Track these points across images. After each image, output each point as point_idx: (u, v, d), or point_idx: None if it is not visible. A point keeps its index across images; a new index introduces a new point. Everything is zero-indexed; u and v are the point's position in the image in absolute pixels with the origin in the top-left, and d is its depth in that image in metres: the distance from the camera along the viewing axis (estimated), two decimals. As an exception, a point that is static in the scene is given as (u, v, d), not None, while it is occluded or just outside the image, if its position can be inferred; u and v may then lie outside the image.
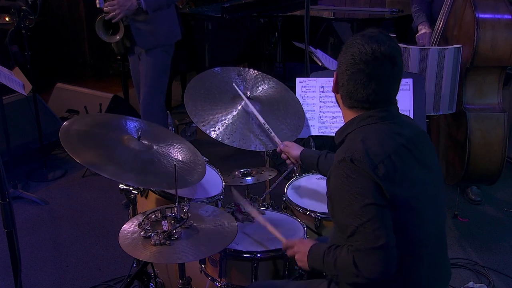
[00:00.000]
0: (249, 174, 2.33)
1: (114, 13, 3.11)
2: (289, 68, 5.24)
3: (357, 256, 1.39)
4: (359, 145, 1.45)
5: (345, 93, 1.53)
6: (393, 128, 1.50)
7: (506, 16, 2.92)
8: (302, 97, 2.51)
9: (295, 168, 2.53)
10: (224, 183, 2.29)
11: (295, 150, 2.12)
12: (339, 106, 1.62)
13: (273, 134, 2.21)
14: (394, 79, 1.50)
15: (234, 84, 2.35)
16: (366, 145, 1.44)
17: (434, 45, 3.11)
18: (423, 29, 3.24)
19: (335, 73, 1.57)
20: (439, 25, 3.10)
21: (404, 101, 2.43)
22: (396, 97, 1.56)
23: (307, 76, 2.66)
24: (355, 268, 1.39)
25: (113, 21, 3.13)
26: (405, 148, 1.47)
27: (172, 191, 1.81)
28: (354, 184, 1.41)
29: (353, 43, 1.49)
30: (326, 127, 2.47)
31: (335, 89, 1.59)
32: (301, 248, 1.63)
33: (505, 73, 3.08)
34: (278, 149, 2.19)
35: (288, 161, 2.17)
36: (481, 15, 2.90)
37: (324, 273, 1.55)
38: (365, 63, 1.45)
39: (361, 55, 1.45)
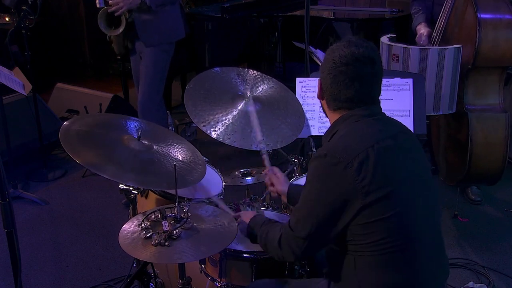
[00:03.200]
0: (249, 174, 2.33)
1: (118, 6, 3.11)
2: (289, 68, 5.25)
3: (283, 234, 1.56)
4: (337, 142, 1.53)
5: (329, 96, 1.59)
6: (375, 125, 1.54)
7: (507, 16, 2.92)
8: (302, 97, 2.51)
9: (295, 168, 2.53)
10: (224, 183, 2.29)
11: (282, 185, 2.04)
12: (325, 113, 1.68)
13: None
14: (375, 78, 1.56)
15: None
16: (343, 141, 1.51)
17: (435, 46, 3.11)
18: (421, 30, 3.23)
19: (318, 80, 1.62)
20: (440, 25, 3.10)
21: (404, 101, 2.42)
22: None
23: (307, 76, 2.66)
24: (278, 244, 1.58)
25: (115, 14, 3.14)
26: (385, 143, 1.49)
27: (172, 191, 1.81)
28: (324, 179, 1.47)
29: (332, 49, 1.57)
30: (326, 127, 2.46)
31: (320, 95, 1.64)
32: (245, 218, 1.81)
33: (505, 73, 3.08)
34: (263, 172, 2.15)
35: (271, 188, 2.08)
36: (483, 15, 2.90)
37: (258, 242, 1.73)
38: (346, 65, 1.52)
39: (341, 58, 1.52)
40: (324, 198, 1.47)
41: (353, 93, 1.53)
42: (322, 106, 1.69)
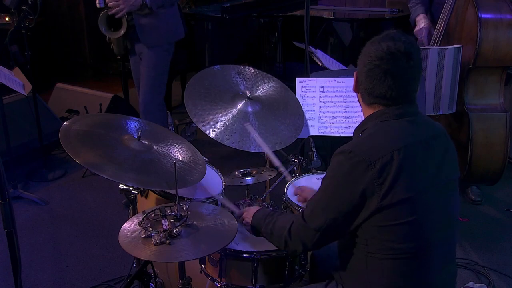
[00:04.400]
0: (249, 174, 2.33)
1: (118, 8, 3.11)
2: (289, 68, 5.24)
3: (295, 225, 1.56)
4: (363, 140, 1.50)
5: (364, 90, 1.56)
6: (406, 127, 1.51)
7: (508, 16, 2.92)
8: (302, 97, 2.51)
9: (295, 168, 2.53)
10: (224, 183, 2.29)
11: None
12: (360, 105, 1.64)
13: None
14: (410, 73, 1.51)
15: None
16: (370, 140, 1.48)
17: (436, 46, 3.11)
18: (421, 23, 3.23)
19: (355, 72, 1.60)
20: (441, 25, 3.10)
21: (404, 101, 2.43)
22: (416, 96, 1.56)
23: (307, 76, 2.66)
24: (287, 233, 1.57)
25: (116, 16, 3.14)
26: (414, 148, 1.46)
27: (172, 191, 1.81)
28: (345, 176, 1.46)
29: (370, 44, 1.54)
30: (326, 127, 2.47)
31: (356, 88, 1.61)
32: (249, 213, 1.80)
33: (506, 73, 3.08)
34: (294, 192, 2.14)
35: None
36: (484, 15, 2.90)
37: (261, 233, 1.74)
38: (380, 59, 1.48)
39: (377, 52, 1.49)
40: (342, 194, 1.46)
41: (386, 88, 1.49)
42: (358, 99, 1.65)
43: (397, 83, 1.49)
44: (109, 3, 3.14)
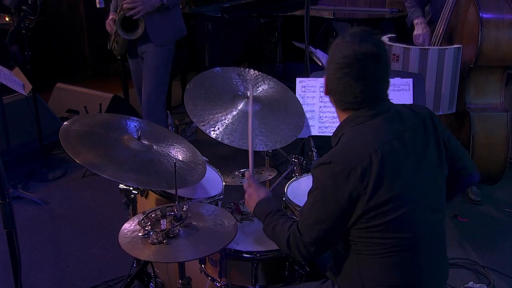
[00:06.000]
0: (249, 174, 2.33)
1: (137, 9, 3.10)
2: (289, 68, 5.24)
3: (292, 236, 1.55)
4: (341, 148, 1.51)
5: (336, 96, 1.56)
6: (381, 125, 1.51)
7: (509, 16, 2.92)
8: (302, 97, 2.51)
9: (295, 168, 2.53)
10: (224, 183, 2.29)
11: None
12: (334, 107, 1.63)
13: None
14: (380, 75, 1.50)
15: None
16: (347, 148, 1.49)
17: (436, 46, 3.11)
18: (419, 28, 3.23)
19: (324, 76, 1.59)
20: (441, 25, 3.10)
21: (404, 101, 2.42)
22: (388, 92, 1.56)
23: (307, 76, 2.66)
24: (286, 244, 1.57)
25: (134, 17, 3.12)
26: (390, 145, 1.46)
27: (172, 191, 1.81)
28: (328, 186, 1.46)
29: (336, 46, 1.52)
30: (326, 127, 2.47)
31: (327, 92, 1.61)
32: (254, 195, 1.79)
33: (507, 73, 3.08)
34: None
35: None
36: (485, 15, 2.90)
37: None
38: (349, 67, 1.47)
39: (344, 58, 1.48)
40: (330, 203, 1.46)
41: (358, 93, 1.49)
42: (330, 101, 1.64)
43: (368, 86, 1.49)
44: (128, 5, 3.11)
